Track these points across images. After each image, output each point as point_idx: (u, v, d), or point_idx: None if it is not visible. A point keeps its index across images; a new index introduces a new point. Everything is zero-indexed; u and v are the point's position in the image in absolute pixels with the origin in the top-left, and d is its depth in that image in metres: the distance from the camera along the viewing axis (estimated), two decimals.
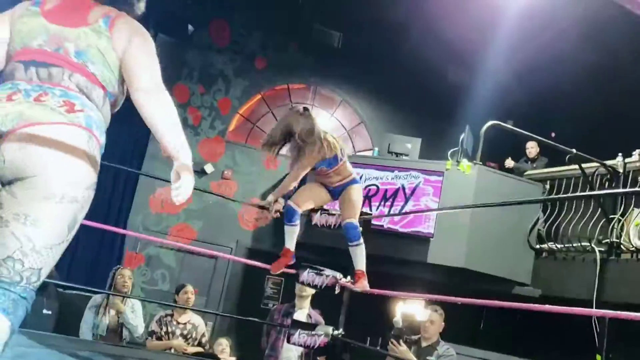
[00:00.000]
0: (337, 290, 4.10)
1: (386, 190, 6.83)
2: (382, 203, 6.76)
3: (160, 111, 1.83)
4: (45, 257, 1.62)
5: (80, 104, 1.75)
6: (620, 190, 6.13)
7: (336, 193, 3.95)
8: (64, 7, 1.88)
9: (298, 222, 3.92)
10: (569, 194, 6.61)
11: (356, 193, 3.92)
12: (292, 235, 3.98)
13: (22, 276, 1.59)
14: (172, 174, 1.83)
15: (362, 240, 3.84)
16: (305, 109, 3.77)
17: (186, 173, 1.82)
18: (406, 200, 6.71)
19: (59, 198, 1.63)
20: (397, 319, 4.69)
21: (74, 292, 5.54)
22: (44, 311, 4.51)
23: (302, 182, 4.06)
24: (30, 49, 1.80)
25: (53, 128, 1.64)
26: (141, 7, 2.10)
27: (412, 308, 4.66)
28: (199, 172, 8.33)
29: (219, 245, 8.05)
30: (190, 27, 8.16)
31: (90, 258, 7.49)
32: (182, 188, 1.81)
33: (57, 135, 1.64)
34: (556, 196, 6.82)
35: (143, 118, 1.83)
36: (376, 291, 3.80)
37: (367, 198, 6.75)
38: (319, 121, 3.81)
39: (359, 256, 3.86)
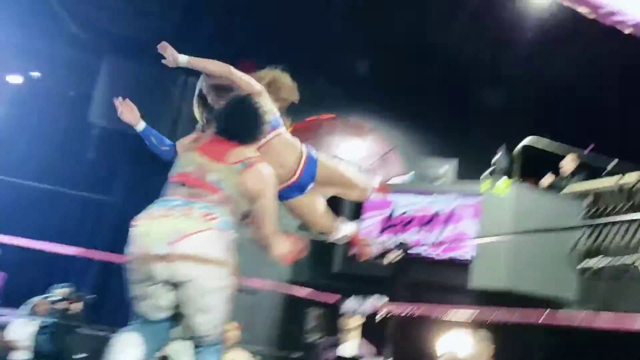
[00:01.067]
0: (379, 317, 4.07)
1: (422, 217, 6.74)
2: (419, 230, 6.66)
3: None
4: (221, 326, 2.50)
5: (216, 212, 2.43)
6: None
7: None
8: (212, 144, 2.58)
9: None
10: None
11: None
12: None
13: (215, 338, 2.49)
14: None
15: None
16: None
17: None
18: (444, 225, 6.61)
19: (212, 292, 2.39)
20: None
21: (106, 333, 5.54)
22: (75, 356, 4.51)
23: None
24: (183, 174, 2.49)
25: (197, 236, 2.34)
26: (263, 136, 2.70)
27: (456, 338, 4.56)
28: None
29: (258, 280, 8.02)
30: None
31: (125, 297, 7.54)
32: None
33: (199, 242, 2.35)
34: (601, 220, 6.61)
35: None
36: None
37: (403, 226, 6.68)
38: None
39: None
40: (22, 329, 4.89)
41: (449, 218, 6.63)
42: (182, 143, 2.69)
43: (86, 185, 9.09)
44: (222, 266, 2.43)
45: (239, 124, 2.61)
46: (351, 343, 4.75)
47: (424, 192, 6.92)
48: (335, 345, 4.80)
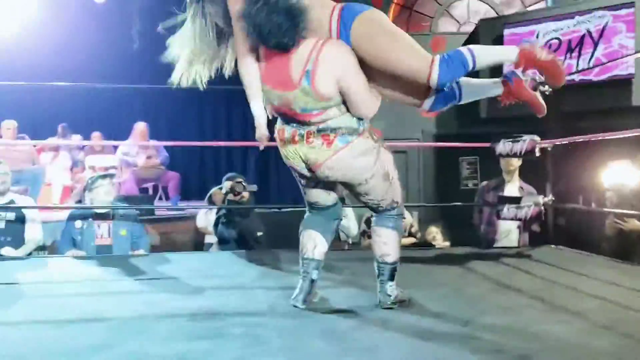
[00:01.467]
0: (537, 154, 3.96)
1: (570, 41, 6.22)
2: (569, 55, 6.20)
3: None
4: (389, 197, 2.51)
5: (332, 133, 2.35)
6: None
7: None
8: (270, 68, 2.33)
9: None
10: None
11: None
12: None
13: (388, 206, 2.52)
14: None
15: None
16: None
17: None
18: (595, 45, 6.07)
19: (366, 182, 2.43)
20: (609, 193, 4.39)
21: (285, 210, 5.95)
22: (257, 234, 4.89)
23: None
24: (275, 106, 2.38)
25: (329, 162, 2.35)
26: (304, 30, 2.24)
27: (622, 167, 4.32)
28: None
29: (406, 138, 8.10)
30: None
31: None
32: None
33: (335, 165, 2.36)
34: None
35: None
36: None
37: None
38: None
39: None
40: (206, 217, 5.47)
41: (600, 36, 6.07)
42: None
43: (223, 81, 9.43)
44: (366, 164, 2.40)
45: (274, 26, 2.20)
46: (511, 185, 4.68)
47: (569, 15, 6.34)
48: (496, 187, 4.75)
